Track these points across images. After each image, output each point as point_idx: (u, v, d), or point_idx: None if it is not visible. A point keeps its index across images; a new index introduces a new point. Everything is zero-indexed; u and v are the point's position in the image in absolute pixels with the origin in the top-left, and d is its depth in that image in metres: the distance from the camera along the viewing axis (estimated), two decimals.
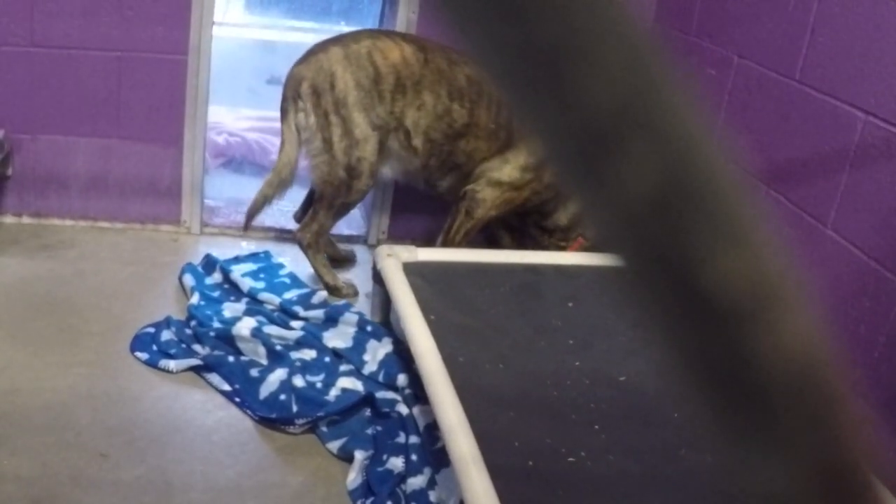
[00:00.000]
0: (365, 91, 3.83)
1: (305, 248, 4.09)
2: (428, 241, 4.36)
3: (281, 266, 4.20)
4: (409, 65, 3.84)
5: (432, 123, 3.89)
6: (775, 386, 0.38)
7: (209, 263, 4.08)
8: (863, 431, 0.41)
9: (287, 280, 4.08)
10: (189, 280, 3.93)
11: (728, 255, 0.37)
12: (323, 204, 4.00)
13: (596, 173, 0.37)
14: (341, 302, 3.88)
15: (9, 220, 4.36)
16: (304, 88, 3.87)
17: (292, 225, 4.38)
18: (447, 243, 4.04)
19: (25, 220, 4.37)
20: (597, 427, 2.83)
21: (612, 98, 0.36)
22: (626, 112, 0.36)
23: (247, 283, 3.92)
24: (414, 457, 2.97)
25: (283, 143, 3.99)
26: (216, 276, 4.01)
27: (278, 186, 4.00)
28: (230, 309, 3.74)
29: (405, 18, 4.29)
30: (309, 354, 3.50)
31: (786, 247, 0.39)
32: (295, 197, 4.34)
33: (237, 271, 4.02)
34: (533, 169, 3.87)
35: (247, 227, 4.14)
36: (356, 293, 4.11)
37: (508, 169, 3.94)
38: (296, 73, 3.92)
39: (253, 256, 4.24)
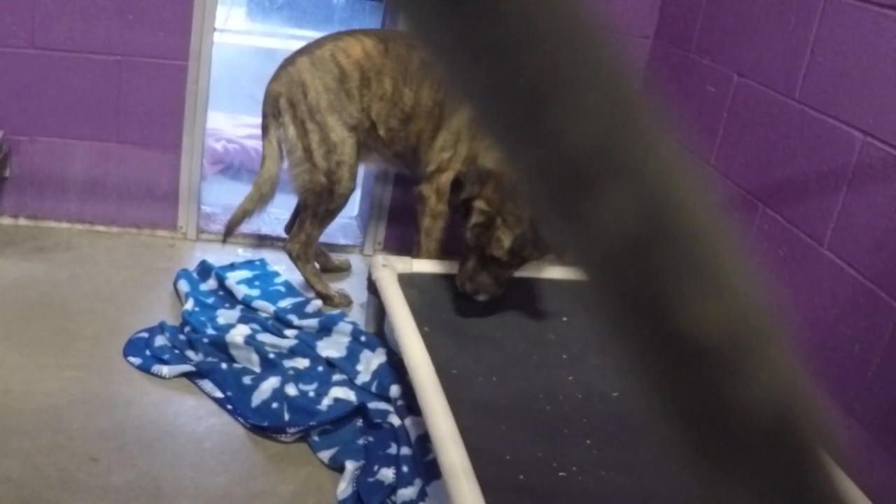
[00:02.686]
0: (334, 93, 3.86)
1: (295, 259, 4.11)
2: None
3: (276, 274, 4.20)
4: (371, 57, 3.87)
5: (390, 110, 3.90)
6: (751, 429, 0.38)
7: (204, 270, 4.08)
8: (839, 475, 0.41)
9: (282, 288, 4.08)
10: (184, 286, 3.92)
11: (706, 297, 0.37)
12: (308, 213, 4.02)
13: (574, 212, 0.37)
14: (336, 311, 3.88)
15: (5, 221, 4.35)
16: (281, 104, 3.92)
17: (278, 232, 4.41)
18: (421, 253, 4.00)
19: (22, 221, 4.37)
20: (589, 442, 2.83)
21: (593, 138, 0.36)
22: (606, 153, 0.36)
23: (241, 291, 3.92)
24: (405, 468, 2.96)
25: (263, 158, 4.02)
26: (211, 283, 4.00)
27: (258, 201, 4.03)
28: (224, 316, 3.74)
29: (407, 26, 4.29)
30: (302, 363, 3.49)
31: (766, 287, 0.39)
32: (290, 205, 4.34)
33: (232, 278, 4.01)
34: (450, 146, 3.82)
35: (225, 240, 4.20)
36: (349, 302, 4.11)
37: (431, 155, 3.91)
38: (271, 90, 3.96)
39: (248, 264, 4.23)
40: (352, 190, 4.04)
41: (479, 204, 3.42)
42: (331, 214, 4.06)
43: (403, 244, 4.61)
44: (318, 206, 3.98)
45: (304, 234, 4.04)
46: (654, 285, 0.37)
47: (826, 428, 0.40)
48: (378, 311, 3.69)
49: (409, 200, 4.40)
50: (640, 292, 0.37)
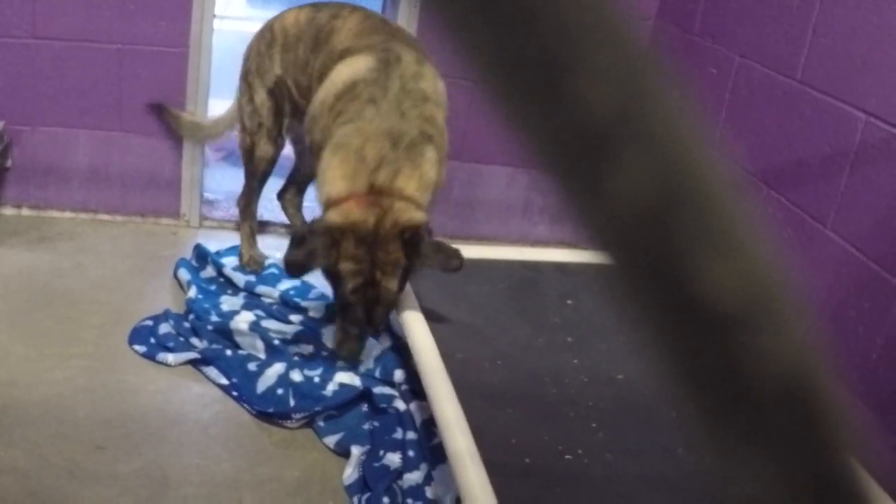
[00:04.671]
0: (261, 56, 3.87)
1: (239, 213, 4.22)
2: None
3: (265, 257, 4.18)
4: (299, 24, 3.80)
5: (299, 77, 3.79)
6: (767, 394, 0.38)
7: (200, 256, 4.06)
8: (854, 439, 0.41)
9: (276, 270, 4.06)
10: (184, 274, 3.92)
11: (721, 263, 0.37)
12: (246, 173, 4.10)
13: (591, 181, 0.37)
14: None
15: (8, 211, 4.35)
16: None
17: (282, 218, 4.46)
18: None
19: (25, 211, 4.37)
20: (594, 425, 2.83)
21: (608, 107, 0.36)
22: (622, 121, 0.36)
23: (241, 278, 3.91)
24: (411, 452, 2.97)
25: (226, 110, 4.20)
26: (210, 271, 3.99)
27: (192, 128, 4.32)
28: (228, 303, 3.74)
29: (407, 12, 4.29)
30: (307, 349, 3.49)
31: (780, 254, 0.39)
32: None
33: (228, 265, 4.00)
34: (309, 129, 3.60)
35: (151, 108, 4.29)
36: (260, 267, 4.11)
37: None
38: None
39: (233, 249, 4.19)
40: (271, 154, 4.01)
41: (347, 266, 3.07)
42: (253, 176, 4.08)
43: None
44: (247, 166, 4.07)
45: (244, 192, 4.14)
46: (670, 251, 0.37)
47: (838, 392, 0.40)
48: None
49: None
50: (657, 258, 0.37)
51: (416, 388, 3.15)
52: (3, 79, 4.12)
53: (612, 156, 0.36)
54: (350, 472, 2.92)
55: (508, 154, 4.45)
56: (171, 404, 3.18)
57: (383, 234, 3.04)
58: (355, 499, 2.84)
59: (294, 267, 3.12)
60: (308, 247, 3.06)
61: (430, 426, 2.98)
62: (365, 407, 3.22)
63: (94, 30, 4.09)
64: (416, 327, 3.11)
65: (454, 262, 3.15)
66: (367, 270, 3.06)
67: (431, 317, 3.19)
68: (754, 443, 0.39)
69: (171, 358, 3.37)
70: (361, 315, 3.18)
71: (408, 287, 3.34)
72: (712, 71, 3.88)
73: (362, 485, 2.87)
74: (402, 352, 3.40)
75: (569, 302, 3.52)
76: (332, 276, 3.12)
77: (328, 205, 3.10)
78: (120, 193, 4.41)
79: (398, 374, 3.31)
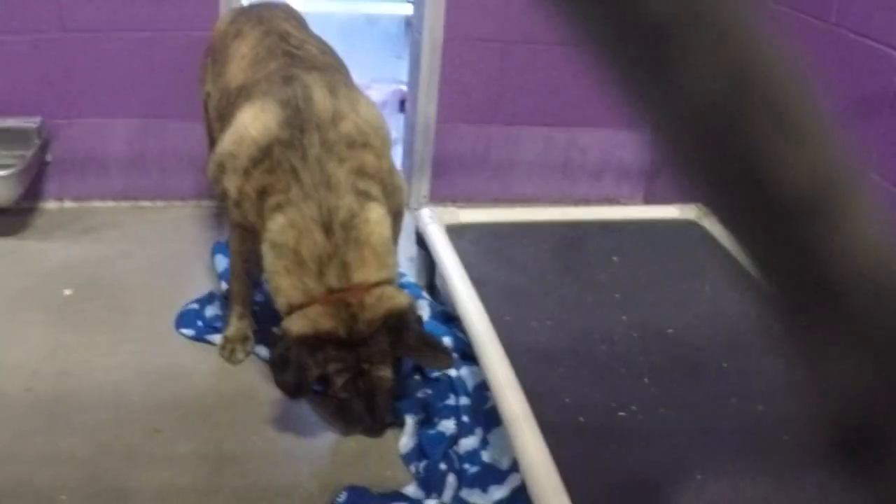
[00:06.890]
0: (203, 66, 3.62)
1: None
2: (469, 203, 4.36)
3: None
4: (217, 34, 3.54)
5: (214, 86, 3.42)
6: (846, 285, 0.38)
7: None
8: None
9: None
10: (220, 260, 3.87)
11: (794, 152, 0.37)
12: None
13: (659, 74, 0.37)
14: None
15: (51, 205, 4.38)
16: None
17: None
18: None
19: (67, 204, 4.40)
20: (646, 380, 2.82)
21: (676, 6, 0.36)
22: (687, 12, 0.36)
23: None
24: (465, 418, 2.97)
25: None
26: None
27: None
28: None
29: None
30: None
31: (849, 144, 0.39)
32: None
33: None
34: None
35: None
36: None
37: None
38: None
39: None
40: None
41: (334, 368, 2.79)
42: None
43: (448, 196, 4.60)
44: None
45: None
46: (741, 141, 0.37)
47: None
48: (427, 264, 3.68)
49: (454, 151, 4.39)
50: (729, 149, 0.37)
51: (466, 353, 3.15)
52: (37, 74, 4.14)
53: (680, 47, 0.36)
54: (406, 441, 2.93)
55: (544, 114, 4.44)
56: (224, 384, 3.20)
57: (362, 333, 2.77)
58: (412, 467, 2.86)
59: (292, 390, 2.83)
60: (295, 364, 2.76)
61: (482, 390, 2.99)
62: (417, 376, 3.22)
63: (122, 18, 4.10)
64: (463, 293, 3.11)
65: (442, 360, 2.92)
66: (353, 366, 2.80)
67: (477, 281, 3.18)
68: (836, 335, 0.39)
69: (219, 339, 3.38)
70: (362, 409, 2.90)
71: (452, 253, 3.33)
72: None
73: (419, 453, 2.88)
74: (444, 319, 3.41)
75: (614, 258, 3.51)
76: (321, 379, 2.83)
77: (290, 311, 2.81)
78: (159, 179, 4.43)
79: (446, 342, 3.30)
